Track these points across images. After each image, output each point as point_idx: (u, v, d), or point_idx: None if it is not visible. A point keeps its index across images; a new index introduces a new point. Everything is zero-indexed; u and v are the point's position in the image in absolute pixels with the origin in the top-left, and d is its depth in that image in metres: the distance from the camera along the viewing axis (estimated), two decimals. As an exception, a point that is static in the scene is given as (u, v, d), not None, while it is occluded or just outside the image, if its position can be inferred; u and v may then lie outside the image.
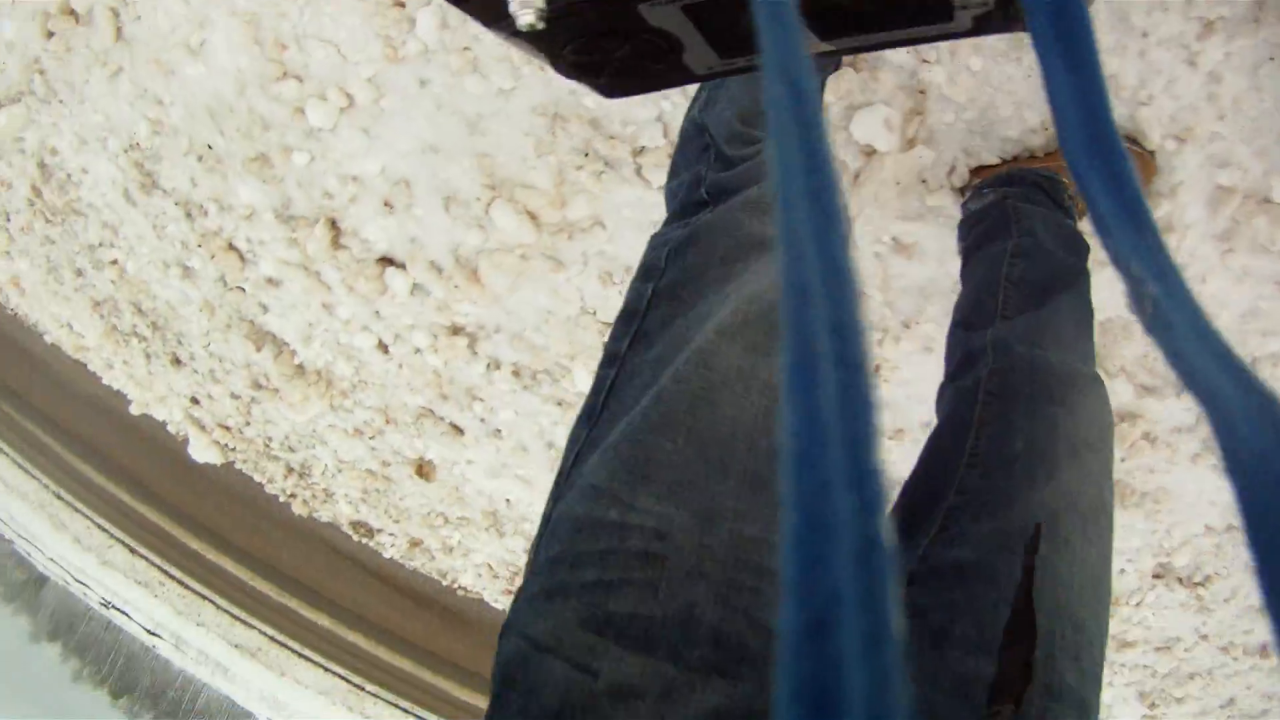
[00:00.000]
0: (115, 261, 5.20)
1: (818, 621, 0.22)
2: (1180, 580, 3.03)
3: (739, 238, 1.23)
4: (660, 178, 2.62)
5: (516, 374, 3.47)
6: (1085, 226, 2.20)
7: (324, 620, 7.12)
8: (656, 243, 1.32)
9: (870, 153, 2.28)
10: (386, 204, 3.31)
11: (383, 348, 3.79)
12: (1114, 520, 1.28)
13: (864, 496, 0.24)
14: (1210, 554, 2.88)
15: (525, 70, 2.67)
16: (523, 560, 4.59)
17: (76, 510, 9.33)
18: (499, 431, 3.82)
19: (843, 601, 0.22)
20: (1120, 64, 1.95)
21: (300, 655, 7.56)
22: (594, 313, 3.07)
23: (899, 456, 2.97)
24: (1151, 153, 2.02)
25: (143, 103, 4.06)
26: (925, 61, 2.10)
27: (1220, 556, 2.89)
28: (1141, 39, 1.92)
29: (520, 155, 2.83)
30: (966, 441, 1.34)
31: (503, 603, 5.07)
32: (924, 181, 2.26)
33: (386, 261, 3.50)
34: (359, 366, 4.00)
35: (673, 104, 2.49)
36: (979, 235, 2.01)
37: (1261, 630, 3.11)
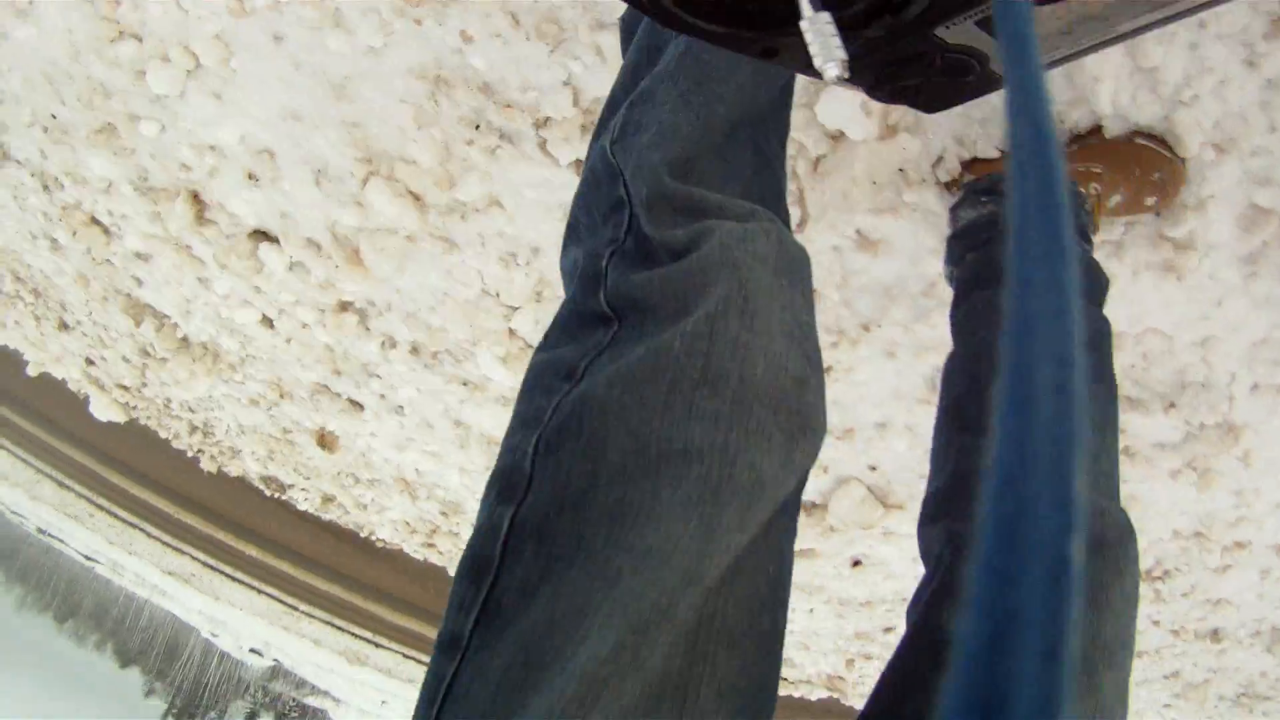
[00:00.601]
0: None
1: (999, 635, 0.19)
2: (1141, 574, 2.55)
3: (644, 441, 0.66)
4: (570, 153, 1.88)
5: (415, 352, 2.73)
6: (1102, 237, 1.57)
7: (252, 550, 6.40)
8: (524, 412, 0.75)
9: (839, 138, 1.59)
10: (250, 176, 2.50)
11: (267, 322, 3.01)
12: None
13: (1063, 520, 0.21)
14: (1175, 555, 2.38)
15: (397, 24, 1.89)
16: (438, 520, 3.90)
17: (1, 447, 8.36)
18: (401, 408, 3.09)
19: (1026, 619, 0.20)
20: (1165, 54, 1.29)
21: (233, 579, 6.86)
22: (496, 295, 2.34)
23: (844, 454, 2.36)
24: (1183, 160, 1.39)
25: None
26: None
27: (1184, 557, 2.38)
28: (1197, 29, 1.27)
29: (397, 126, 2.06)
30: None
31: (423, 555, 4.39)
32: (902, 172, 1.58)
33: (260, 236, 2.70)
34: (244, 341, 3.21)
35: (584, 65, 1.75)
36: (973, 271, 1.36)
37: (1213, 618, 2.66)
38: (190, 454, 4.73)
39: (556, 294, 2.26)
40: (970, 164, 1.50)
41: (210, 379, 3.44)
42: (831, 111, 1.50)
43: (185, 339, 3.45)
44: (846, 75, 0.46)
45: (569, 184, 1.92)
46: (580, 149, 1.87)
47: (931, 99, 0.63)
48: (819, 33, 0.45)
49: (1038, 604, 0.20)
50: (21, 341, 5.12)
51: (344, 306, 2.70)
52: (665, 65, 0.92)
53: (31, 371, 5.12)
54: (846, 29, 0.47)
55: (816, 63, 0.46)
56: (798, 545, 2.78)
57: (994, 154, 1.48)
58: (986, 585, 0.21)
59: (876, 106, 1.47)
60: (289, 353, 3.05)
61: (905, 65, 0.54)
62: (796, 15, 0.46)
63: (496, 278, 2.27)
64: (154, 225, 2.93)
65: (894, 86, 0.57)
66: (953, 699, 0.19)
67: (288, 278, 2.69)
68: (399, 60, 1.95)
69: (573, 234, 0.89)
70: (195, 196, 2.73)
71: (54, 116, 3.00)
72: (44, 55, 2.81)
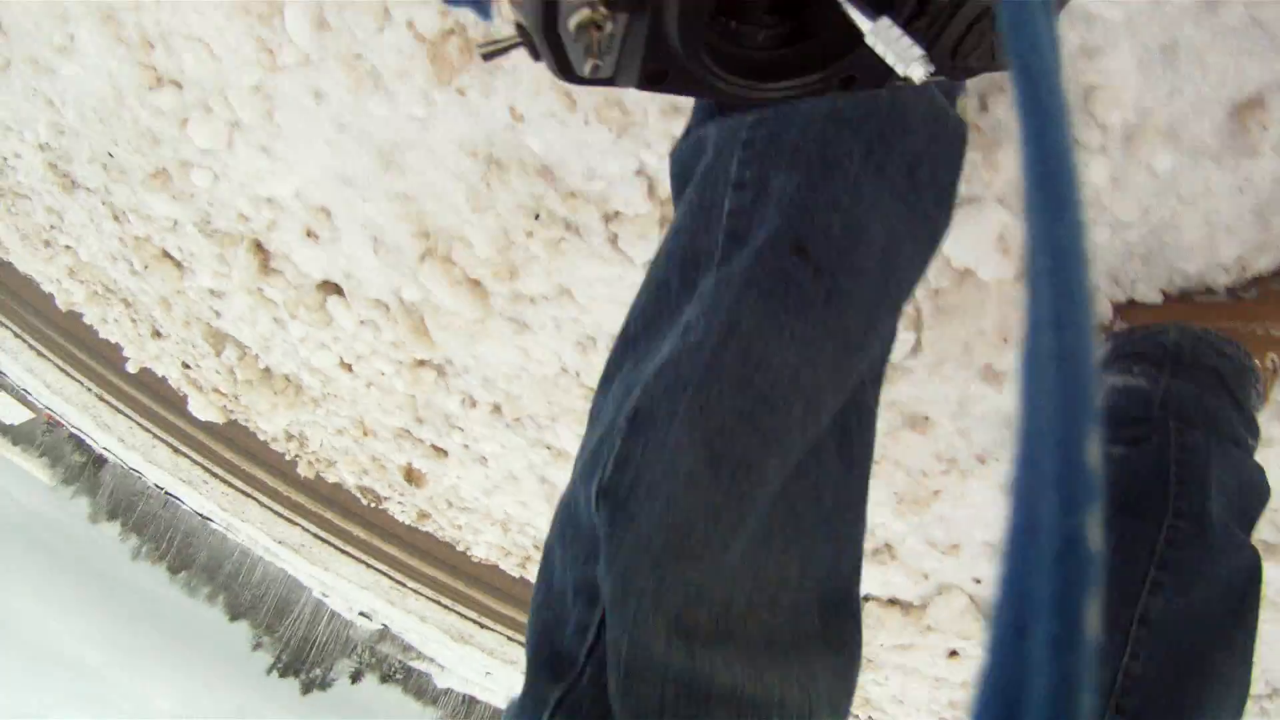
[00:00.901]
0: (69, 247, 4.18)
1: (1017, 625, 0.19)
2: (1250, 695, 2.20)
3: None
4: (646, 250, 1.60)
5: (496, 412, 2.51)
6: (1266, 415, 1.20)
7: (359, 530, 6.41)
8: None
9: (967, 275, 1.26)
10: (309, 233, 2.28)
11: (346, 367, 2.82)
12: None
13: (1069, 493, 0.19)
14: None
15: (437, 94, 1.62)
16: (531, 551, 3.71)
17: (119, 412, 8.61)
18: (485, 459, 2.88)
19: (1036, 603, 0.19)
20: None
21: (342, 552, 6.91)
22: (576, 374, 2.09)
23: (949, 566, 2.05)
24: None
25: (37, 100, 2.98)
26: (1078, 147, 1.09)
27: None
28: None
29: (451, 204, 1.80)
30: None
31: (518, 573, 4.23)
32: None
33: (328, 288, 2.50)
34: (325, 380, 3.04)
35: (658, 155, 1.46)
36: (1115, 482, 1.04)
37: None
38: (289, 457, 4.67)
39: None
40: (1127, 309, 1.16)
41: (292, 411, 3.30)
42: (962, 242, 1.18)
43: (267, 369, 3.31)
44: (932, 68, 0.43)
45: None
46: (657, 244, 1.59)
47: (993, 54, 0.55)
48: (887, 39, 0.43)
49: (1046, 585, 0.19)
50: (121, 338, 5.12)
51: (421, 363, 2.49)
52: (702, 334, 0.70)
53: (131, 368, 5.13)
54: (909, 25, 0.46)
55: (899, 70, 0.43)
56: (893, 640, 2.52)
57: (1156, 297, 1.14)
58: (1005, 570, 0.20)
59: (1014, 240, 1.14)
60: (370, 397, 2.87)
61: (967, 35, 0.49)
62: (857, 36, 0.44)
63: (575, 360, 2.01)
64: (222, 266, 2.77)
65: (964, 62, 0.51)
66: (977, 694, 0.19)
67: (359, 331, 2.49)
68: (446, 132, 1.69)
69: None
70: (258, 245, 2.54)
71: (110, 155, 2.84)
72: (92, 93, 2.64)
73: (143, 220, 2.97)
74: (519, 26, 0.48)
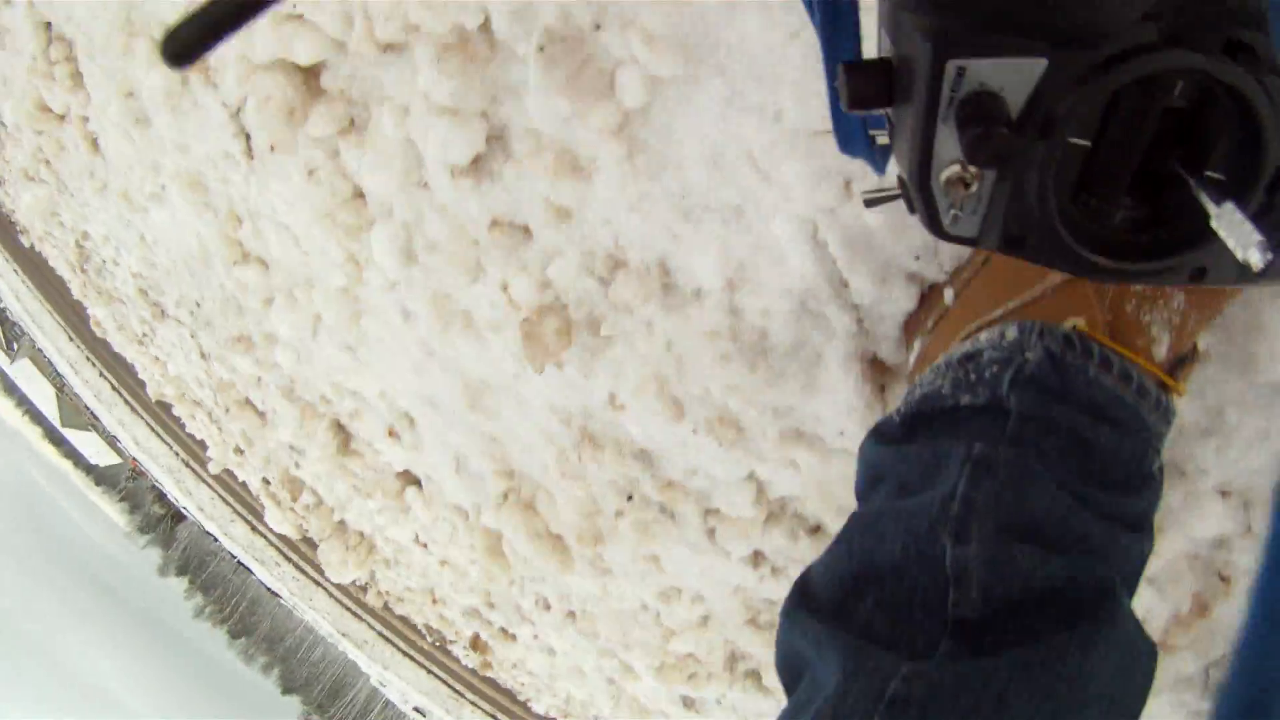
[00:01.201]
0: (158, 359, 4.21)
1: (1258, 702, 0.20)
2: None
3: None
4: (747, 546, 1.45)
5: (570, 618, 2.37)
6: None
7: (423, 643, 6.31)
8: None
9: None
10: (391, 433, 2.19)
11: (421, 545, 2.72)
12: None
13: None
14: None
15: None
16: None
17: (202, 481, 8.74)
18: (553, 651, 2.74)
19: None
20: None
21: (405, 654, 6.82)
22: (656, 614, 1.94)
23: None
24: None
25: (130, 231, 2.98)
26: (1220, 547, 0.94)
27: None
28: None
29: (539, 461, 1.69)
30: None
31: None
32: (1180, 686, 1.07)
33: (407, 478, 2.41)
34: (398, 550, 2.95)
35: (771, 468, 1.32)
36: None
37: None
38: (361, 581, 4.60)
39: (723, 621, 1.83)
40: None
41: (363, 569, 3.21)
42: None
43: (343, 523, 3.23)
44: (1270, 256, 0.42)
45: (742, 575, 1.49)
46: (761, 543, 1.44)
47: None
48: (1230, 223, 0.43)
49: None
50: (207, 438, 5.14)
51: (495, 553, 2.37)
52: None
53: (214, 469, 5.15)
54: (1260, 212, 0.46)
55: (1238, 255, 0.42)
56: None
57: None
58: (1251, 651, 0.22)
59: (1163, 616, 0.97)
60: (442, 576, 2.75)
61: None
62: (1205, 223, 0.45)
63: (656, 604, 1.86)
64: (303, 430, 2.70)
65: None
66: None
67: (437, 523, 2.39)
68: (539, 389, 1.57)
69: None
70: (339, 425, 2.46)
71: (198, 304, 2.82)
72: (181, 245, 2.62)
73: (227, 369, 2.94)
74: (900, 180, 0.52)
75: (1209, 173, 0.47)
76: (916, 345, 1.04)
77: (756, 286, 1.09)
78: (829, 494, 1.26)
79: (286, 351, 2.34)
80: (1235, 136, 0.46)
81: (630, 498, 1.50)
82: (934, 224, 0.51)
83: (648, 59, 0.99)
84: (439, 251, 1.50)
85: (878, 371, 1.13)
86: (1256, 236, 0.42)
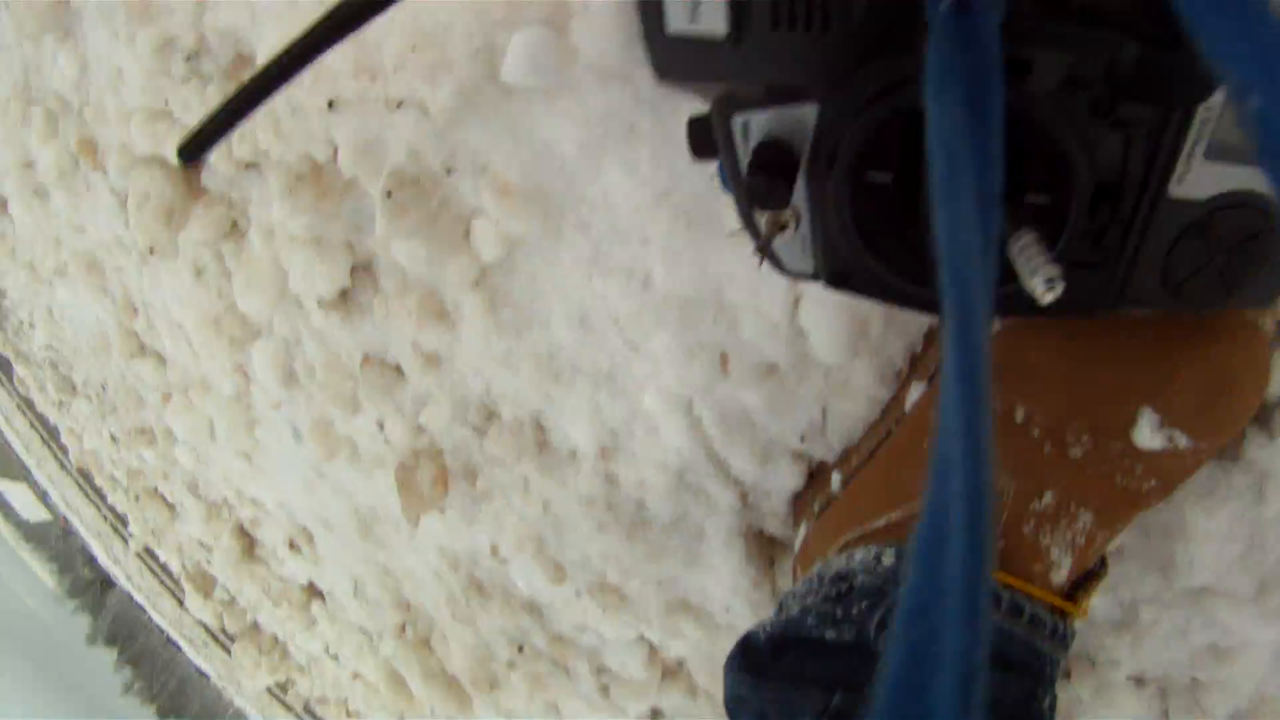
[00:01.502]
0: (72, 430, 4.08)
1: None
2: None
3: None
4: (643, 705, 1.35)
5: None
6: None
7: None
8: None
9: None
10: (292, 545, 2.08)
11: (332, 657, 2.59)
12: None
13: (972, 637, 0.22)
14: None
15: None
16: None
17: (130, 550, 8.48)
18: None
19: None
20: None
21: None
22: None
23: None
24: None
25: (40, 301, 2.87)
26: None
27: None
28: None
29: (431, 598, 1.58)
30: None
31: None
32: None
33: (313, 591, 2.29)
34: (311, 659, 2.82)
35: (661, 634, 1.22)
36: None
37: None
38: (278, 680, 4.45)
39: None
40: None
41: (278, 674, 3.07)
42: None
43: (256, 625, 3.09)
44: (1058, 291, 0.42)
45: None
46: (659, 700, 1.34)
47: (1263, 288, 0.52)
48: (1020, 251, 0.43)
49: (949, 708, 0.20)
50: (127, 512, 4.98)
51: (400, 686, 2.25)
52: None
53: (134, 545, 4.98)
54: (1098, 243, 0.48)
55: (1026, 285, 0.42)
56: None
57: None
58: (898, 695, 0.21)
59: None
60: (355, 689, 2.62)
61: (1182, 254, 0.49)
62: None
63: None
64: (209, 529, 2.57)
65: (1182, 291, 0.51)
66: None
67: (343, 639, 2.27)
68: (427, 527, 1.47)
69: None
70: (242, 530, 2.35)
71: (104, 387, 2.70)
72: (84, 326, 2.51)
73: (134, 456, 2.82)
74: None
75: (1031, 196, 0.46)
76: (803, 529, 0.96)
77: (631, 456, 1.00)
78: (719, 668, 1.17)
79: (185, 450, 2.23)
80: (1045, 158, 0.45)
81: (521, 649, 1.40)
82: (775, 263, 0.54)
83: (500, 214, 0.90)
84: (316, 379, 1.41)
85: (765, 545, 1.04)
86: (1051, 269, 0.41)
